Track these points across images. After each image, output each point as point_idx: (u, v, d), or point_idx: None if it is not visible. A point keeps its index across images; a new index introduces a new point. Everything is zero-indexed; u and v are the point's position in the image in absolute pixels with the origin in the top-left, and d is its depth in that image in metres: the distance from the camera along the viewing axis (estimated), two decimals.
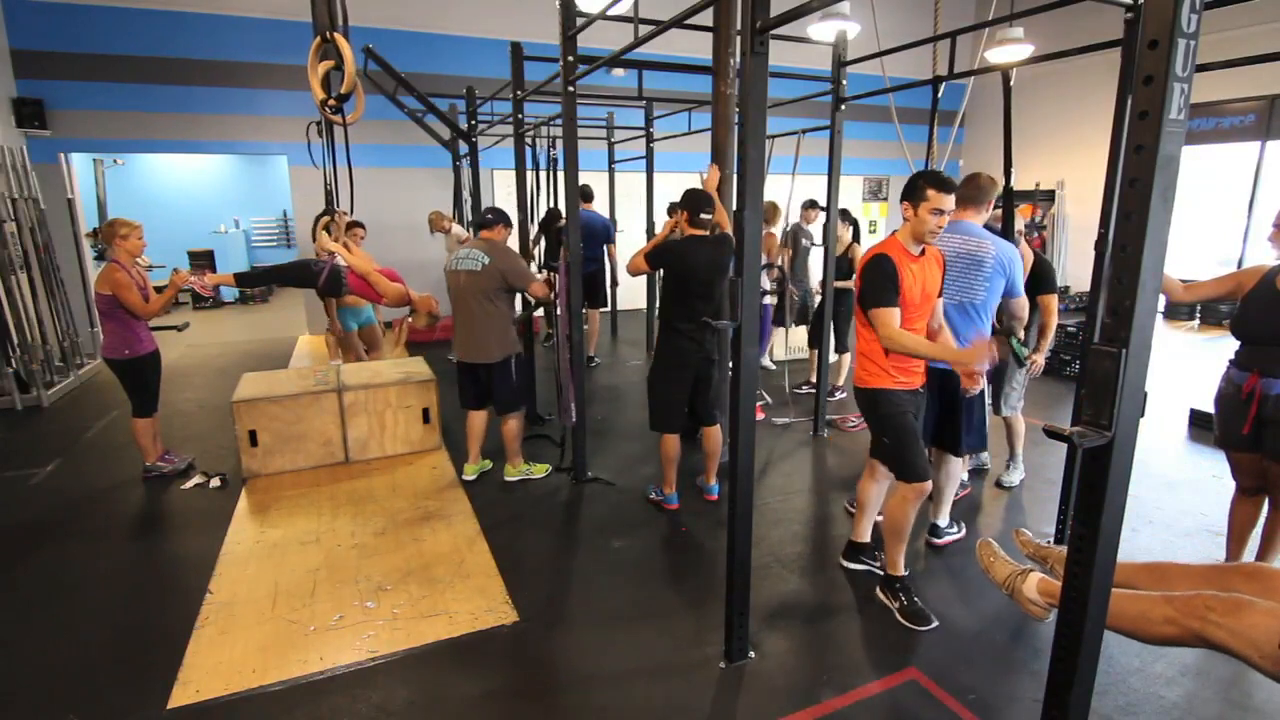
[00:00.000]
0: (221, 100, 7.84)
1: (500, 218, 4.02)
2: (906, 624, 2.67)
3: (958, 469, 3.28)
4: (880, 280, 2.54)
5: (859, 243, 5.52)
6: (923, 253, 2.63)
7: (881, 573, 3.00)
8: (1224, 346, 2.82)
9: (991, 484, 4.01)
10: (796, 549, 3.33)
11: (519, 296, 4.05)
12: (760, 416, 5.39)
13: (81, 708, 2.28)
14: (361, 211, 4.97)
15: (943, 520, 3.35)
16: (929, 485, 2.74)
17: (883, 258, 2.57)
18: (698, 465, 4.03)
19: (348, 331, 5.72)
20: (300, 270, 4.30)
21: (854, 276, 3.51)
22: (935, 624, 2.66)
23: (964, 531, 3.41)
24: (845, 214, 5.56)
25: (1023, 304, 3.15)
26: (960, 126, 11.15)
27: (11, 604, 2.91)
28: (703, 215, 3.46)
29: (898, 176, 12.12)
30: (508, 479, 4.10)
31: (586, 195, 7.05)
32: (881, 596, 2.84)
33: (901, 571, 2.79)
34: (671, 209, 3.77)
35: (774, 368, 6.49)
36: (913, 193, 2.53)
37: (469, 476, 4.11)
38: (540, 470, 4.19)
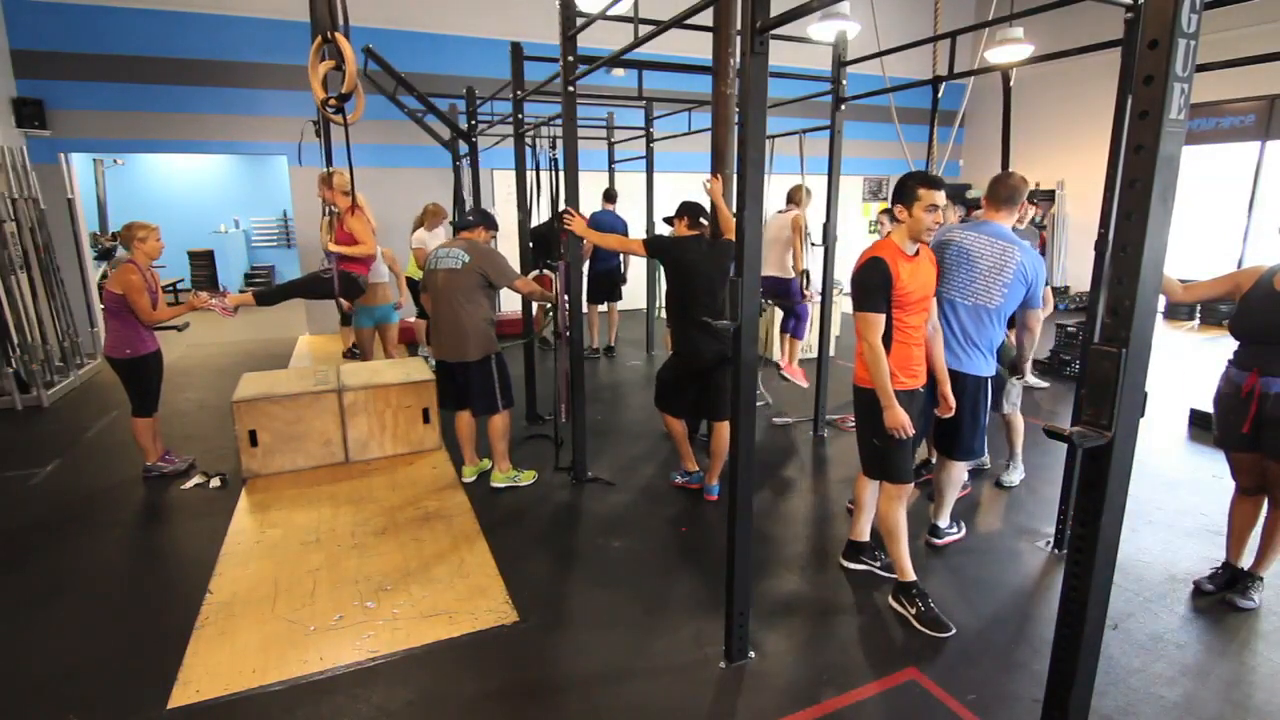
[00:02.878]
0: (222, 100, 7.84)
1: (482, 220, 3.95)
2: (925, 631, 2.62)
3: (960, 472, 3.28)
4: (871, 284, 2.58)
5: None
6: (917, 253, 2.65)
7: (882, 573, 3.00)
8: (1224, 346, 2.82)
9: (991, 484, 4.01)
10: (796, 549, 3.33)
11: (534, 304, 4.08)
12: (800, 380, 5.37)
13: (81, 708, 2.29)
14: None
15: (943, 521, 3.35)
16: (911, 485, 2.77)
17: (877, 261, 2.58)
18: (701, 465, 4.02)
19: (361, 328, 5.71)
20: (315, 282, 4.32)
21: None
22: (954, 630, 2.61)
23: (964, 532, 3.41)
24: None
25: (1037, 316, 3.08)
26: (960, 126, 11.15)
27: (11, 604, 2.91)
28: (702, 220, 3.60)
29: (898, 176, 12.09)
30: (494, 485, 4.01)
31: (610, 196, 7.11)
32: (895, 605, 2.78)
33: (911, 576, 2.76)
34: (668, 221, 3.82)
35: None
36: (904, 194, 2.58)
37: (468, 479, 4.10)
38: (527, 478, 4.09)
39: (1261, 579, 2.84)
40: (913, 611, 2.70)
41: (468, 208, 6.77)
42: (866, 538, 3.09)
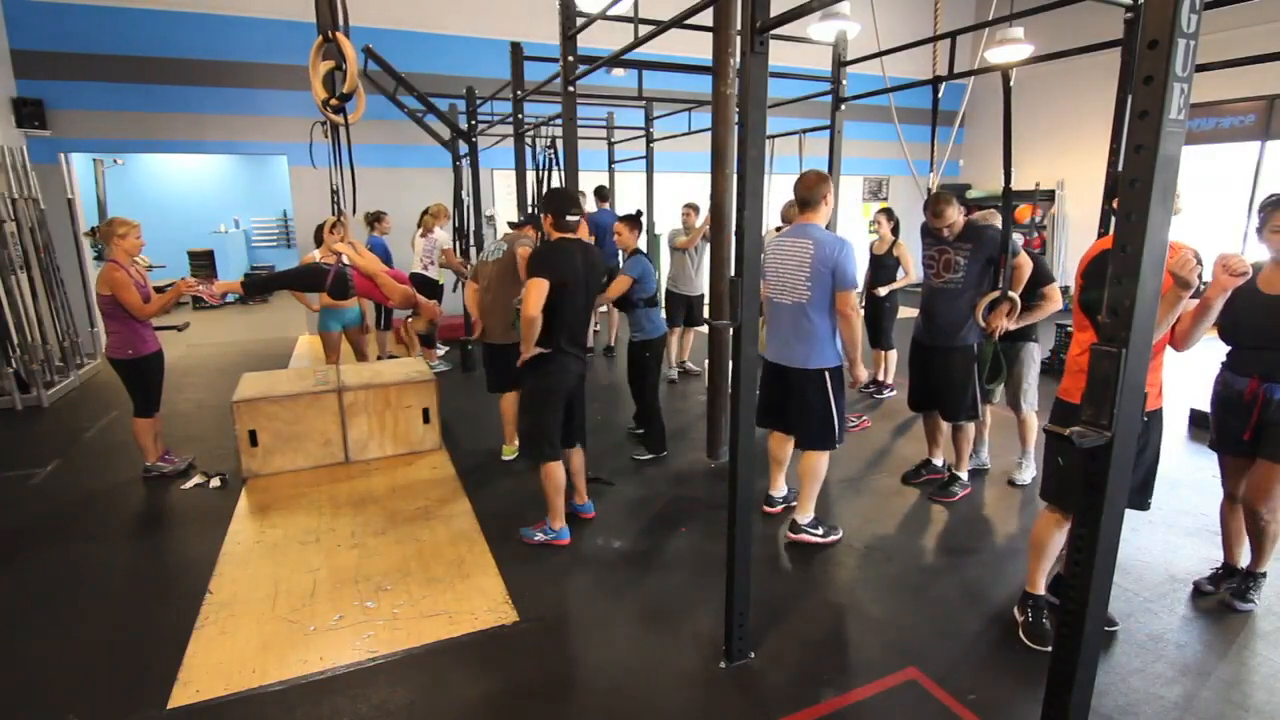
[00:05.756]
0: (222, 100, 7.84)
1: (530, 220, 4.36)
2: (1025, 640, 2.56)
3: (820, 464, 3.30)
4: None
5: (900, 238, 5.46)
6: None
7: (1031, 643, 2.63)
8: (1223, 346, 2.81)
9: (1003, 482, 3.99)
10: (797, 549, 3.33)
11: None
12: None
13: (81, 708, 2.29)
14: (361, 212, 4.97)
15: (803, 518, 3.35)
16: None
17: None
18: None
19: (328, 332, 5.68)
20: (308, 274, 4.34)
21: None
22: (1050, 649, 2.53)
23: (836, 535, 3.35)
24: (889, 212, 5.55)
25: (847, 299, 3.04)
26: (960, 126, 11.15)
27: (12, 604, 2.91)
28: (569, 217, 3.17)
29: (898, 176, 12.12)
30: (504, 458, 4.36)
31: (602, 194, 7.10)
32: (1016, 610, 2.70)
33: (1039, 590, 2.63)
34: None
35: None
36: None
37: (507, 457, 4.41)
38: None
39: (1264, 574, 2.81)
40: (1021, 619, 2.64)
41: (468, 210, 6.78)
42: (1041, 590, 2.65)
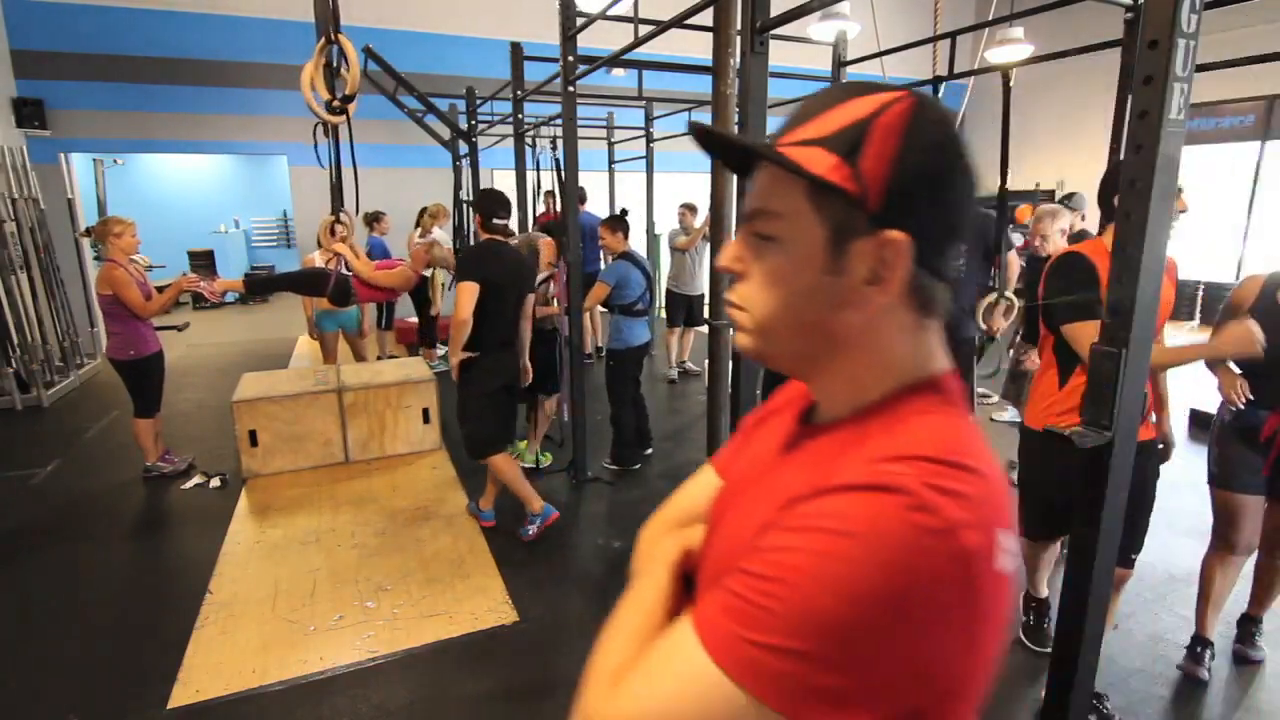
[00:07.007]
0: (221, 100, 7.84)
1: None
2: (1025, 641, 2.56)
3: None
4: (1079, 287, 1.99)
5: None
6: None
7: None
8: None
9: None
10: None
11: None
12: None
13: (81, 708, 2.29)
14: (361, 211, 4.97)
15: None
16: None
17: (1079, 258, 2.05)
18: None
19: (324, 333, 5.63)
20: (310, 277, 4.33)
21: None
22: (1049, 650, 2.51)
23: None
24: None
25: None
26: (960, 126, 11.15)
27: (12, 604, 2.92)
28: (496, 220, 3.20)
29: None
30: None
31: (580, 197, 7.07)
32: (1020, 610, 2.68)
33: (1041, 594, 2.62)
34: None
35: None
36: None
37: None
38: (546, 459, 4.37)
39: (1261, 620, 2.54)
40: (1022, 620, 2.63)
41: (466, 207, 6.78)
42: (1044, 593, 2.62)
